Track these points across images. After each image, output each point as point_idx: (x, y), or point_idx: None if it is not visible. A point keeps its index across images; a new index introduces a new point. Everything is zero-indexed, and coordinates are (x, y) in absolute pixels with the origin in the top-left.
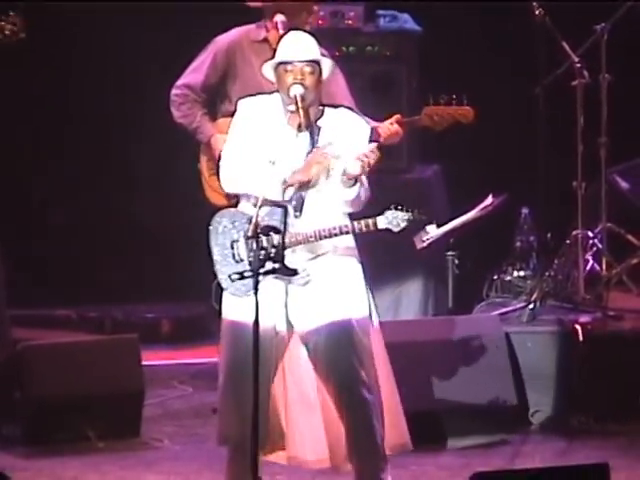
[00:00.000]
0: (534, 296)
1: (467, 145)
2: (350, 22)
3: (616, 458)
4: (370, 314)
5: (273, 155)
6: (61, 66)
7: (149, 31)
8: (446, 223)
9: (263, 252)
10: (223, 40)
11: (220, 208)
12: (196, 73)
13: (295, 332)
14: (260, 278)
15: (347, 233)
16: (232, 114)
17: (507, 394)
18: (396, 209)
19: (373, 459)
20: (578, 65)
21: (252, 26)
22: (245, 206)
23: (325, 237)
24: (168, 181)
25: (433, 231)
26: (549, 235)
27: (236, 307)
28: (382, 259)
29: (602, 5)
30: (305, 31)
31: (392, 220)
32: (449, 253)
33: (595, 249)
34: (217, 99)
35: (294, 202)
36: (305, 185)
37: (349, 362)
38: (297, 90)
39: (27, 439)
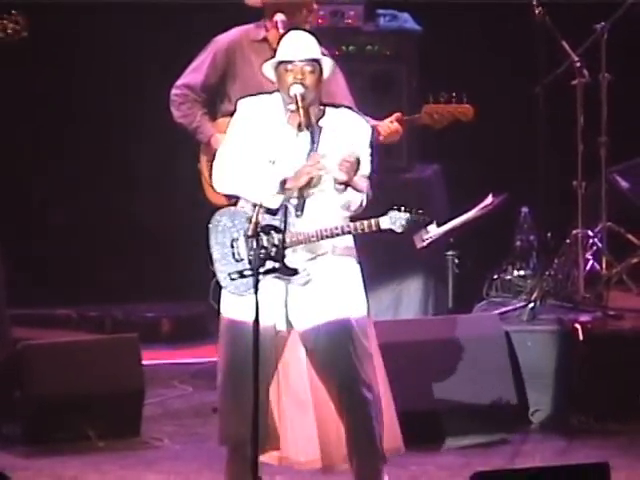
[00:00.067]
0: (534, 295)
1: (467, 144)
2: (350, 21)
3: (616, 457)
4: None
5: (273, 155)
6: (62, 66)
7: (149, 31)
8: (446, 222)
9: (263, 251)
10: (223, 40)
11: (220, 208)
12: (196, 73)
13: (293, 331)
14: (260, 277)
15: (349, 233)
16: (232, 114)
17: (507, 393)
18: (399, 210)
19: (372, 459)
20: (578, 64)
21: (252, 25)
22: (245, 205)
23: (327, 237)
24: (168, 181)
25: (433, 230)
26: (549, 234)
27: (235, 306)
28: (382, 258)
29: (602, 4)
30: (306, 30)
31: (395, 221)
32: (449, 252)
33: (595, 248)
34: (217, 99)
35: (295, 202)
36: (301, 190)
37: (349, 362)
38: (297, 89)
39: (27, 438)
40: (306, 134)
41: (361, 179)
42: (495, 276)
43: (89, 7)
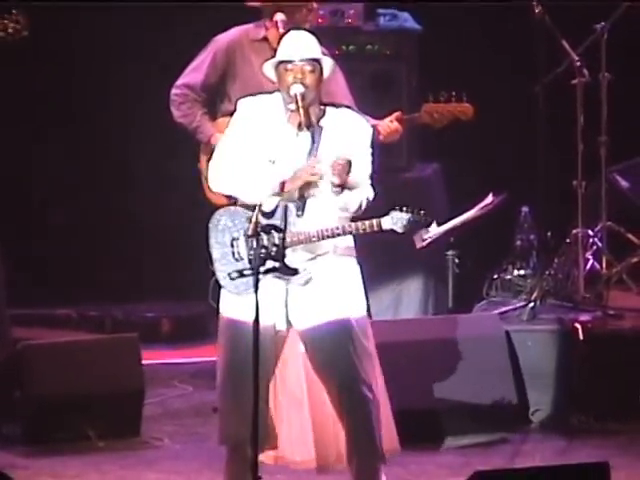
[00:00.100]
0: (534, 295)
1: (467, 144)
2: (350, 21)
3: (616, 457)
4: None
5: (273, 154)
6: (62, 65)
7: (149, 31)
8: (446, 222)
9: (264, 251)
10: (223, 39)
11: (220, 207)
12: (196, 72)
13: (291, 331)
14: (260, 277)
15: (350, 233)
16: (232, 113)
17: (507, 393)
18: (400, 210)
19: (372, 459)
20: (578, 64)
21: (251, 25)
22: (245, 204)
23: (328, 237)
24: (168, 181)
25: (433, 230)
26: (549, 234)
27: (235, 305)
28: (382, 258)
29: (602, 4)
30: (306, 30)
31: (397, 221)
32: (449, 252)
33: (595, 248)
34: (217, 98)
35: (296, 201)
36: (301, 191)
37: (349, 361)
38: (297, 89)
39: (27, 438)
40: (306, 134)
41: (361, 180)
42: (495, 276)
43: (89, 7)
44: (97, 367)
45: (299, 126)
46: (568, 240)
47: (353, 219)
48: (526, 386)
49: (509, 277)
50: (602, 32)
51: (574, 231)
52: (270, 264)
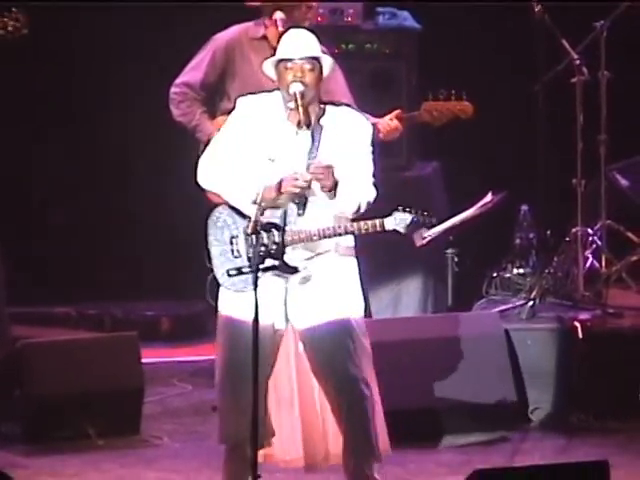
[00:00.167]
0: (534, 293)
1: (467, 142)
2: (349, 19)
3: (616, 455)
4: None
5: (273, 153)
6: (62, 64)
7: (149, 30)
8: (446, 220)
9: (263, 248)
10: (222, 38)
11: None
12: (195, 71)
13: (288, 330)
14: (259, 274)
15: (352, 233)
16: (231, 112)
17: (507, 391)
18: (404, 211)
19: (368, 457)
20: (577, 62)
21: (251, 24)
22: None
23: (330, 236)
24: (167, 180)
25: (433, 228)
26: (548, 232)
27: (233, 303)
28: (381, 257)
29: (601, 2)
30: (306, 28)
31: (400, 222)
32: (448, 250)
33: (595, 246)
34: (216, 97)
35: (297, 200)
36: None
37: (349, 361)
38: (297, 87)
39: (27, 437)
40: (306, 132)
41: (362, 179)
42: (494, 274)
43: (89, 6)
44: (96, 365)
45: (298, 125)
46: (567, 238)
47: (355, 219)
48: (525, 384)
49: (508, 275)
50: (601, 30)
51: (574, 229)
52: (269, 262)
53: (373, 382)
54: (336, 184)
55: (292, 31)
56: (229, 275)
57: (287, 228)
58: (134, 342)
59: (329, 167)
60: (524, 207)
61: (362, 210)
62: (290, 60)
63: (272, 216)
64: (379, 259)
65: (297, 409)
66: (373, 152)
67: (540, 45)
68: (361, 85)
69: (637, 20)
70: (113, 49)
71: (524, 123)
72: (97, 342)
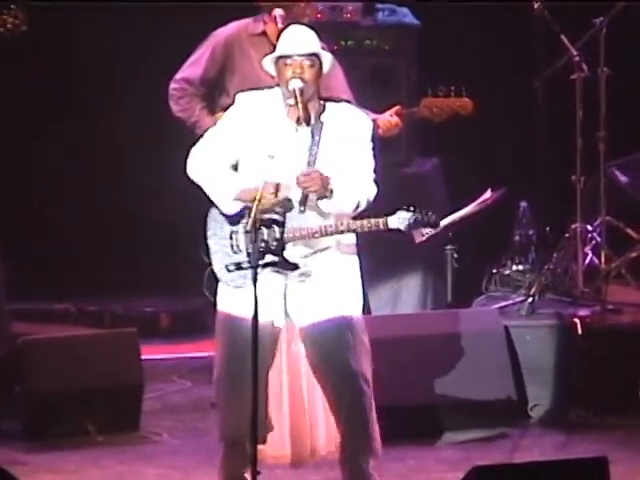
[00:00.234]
0: (533, 290)
1: (466, 139)
2: (349, 16)
3: (615, 451)
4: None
5: (272, 149)
6: (61, 61)
7: (149, 29)
8: (445, 217)
9: (263, 244)
10: (221, 33)
11: None
12: (194, 67)
13: (287, 326)
14: (258, 270)
15: (354, 231)
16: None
17: (506, 388)
18: (408, 210)
19: (366, 453)
20: (577, 59)
21: (250, 20)
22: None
23: (331, 233)
24: (167, 177)
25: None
26: (548, 229)
27: (232, 299)
28: (381, 253)
29: (601, 1)
30: (305, 24)
31: (403, 221)
32: (448, 247)
33: (594, 243)
34: (216, 93)
35: (298, 197)
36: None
37: (349, 357)
38: (296, 84)
39: (27, 433)
40: (306, 129)
41: (362, 176)
42: (494, 271)
43: (88, 4)
44: (96, 362)
45: (298, 121)
46: (567, 235)
47: (357, 216)
48: (525, 381)
49: (508, 272)
50: (601, 27)
51: (573, 226)
52: (269, 258)
53: (370, 379)
54: (328, 184)
55: (291, 27)
56: (228, 270)
57: (288, 225)
58: (133, 338)
59: (314, 172)
60: (523, 203)
61: (362, 207)
62: (289, 56)
63: (272, 212)
64: (378, 255)
65: (286, 406)
66: (373, 148)
67: (539, 42)
68: (361, 81)
69: (636, 16)
70: (113, 46)
71: (524, 119)
72: (97, 338)
